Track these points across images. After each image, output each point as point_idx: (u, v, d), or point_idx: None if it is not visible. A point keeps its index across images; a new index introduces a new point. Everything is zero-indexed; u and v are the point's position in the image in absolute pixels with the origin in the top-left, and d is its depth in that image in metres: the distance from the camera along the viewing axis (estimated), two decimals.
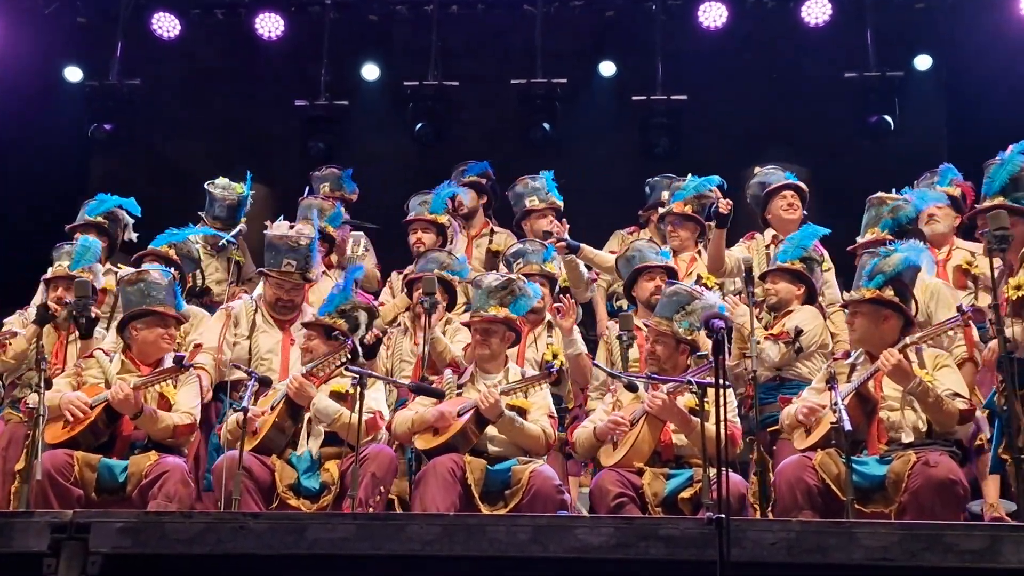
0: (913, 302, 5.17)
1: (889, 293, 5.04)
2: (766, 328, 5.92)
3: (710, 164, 7.49)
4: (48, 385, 5.05)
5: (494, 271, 6.21)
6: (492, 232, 7.63)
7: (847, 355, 5.24)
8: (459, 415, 5.22)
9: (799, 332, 5.73)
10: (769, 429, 5.54)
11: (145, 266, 6.05)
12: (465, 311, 6.47)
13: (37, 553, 3.74)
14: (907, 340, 4.90)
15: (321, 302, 5.77)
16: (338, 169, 7.89)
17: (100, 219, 6.76)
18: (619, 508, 4.88)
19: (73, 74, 9.42)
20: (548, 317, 6.23)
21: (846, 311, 5.26)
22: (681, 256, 6.81)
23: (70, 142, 9.29)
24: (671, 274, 6.31)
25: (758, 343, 5.50)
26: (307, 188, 7.61)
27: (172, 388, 5.36)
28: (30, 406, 5.06)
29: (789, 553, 3.75)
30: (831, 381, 4.84)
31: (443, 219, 7.18)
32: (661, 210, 7.13)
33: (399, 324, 6.52)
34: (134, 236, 6.92)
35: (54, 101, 9.46)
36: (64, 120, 9.31)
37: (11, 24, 9.29)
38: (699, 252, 6.84)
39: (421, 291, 5.97)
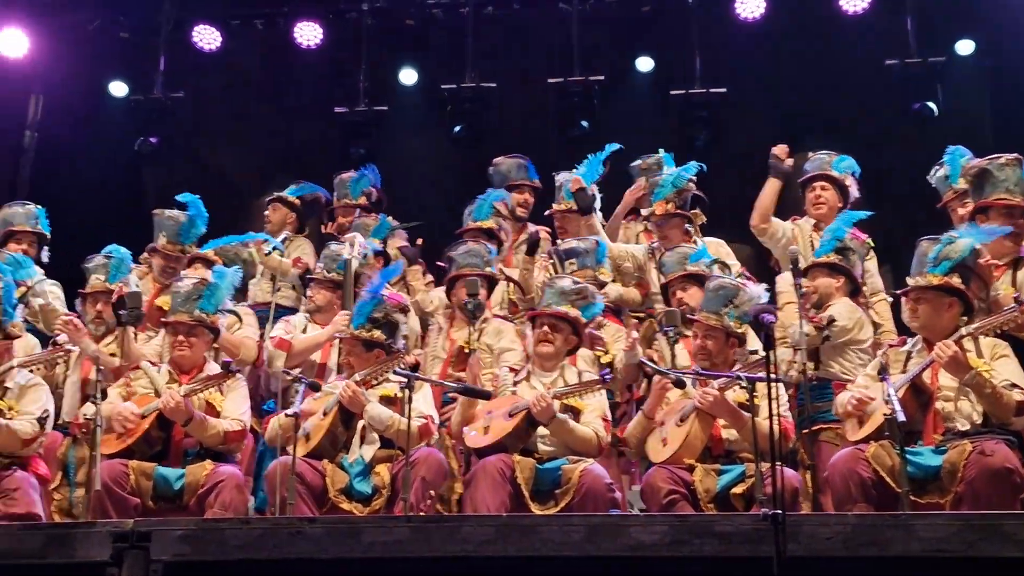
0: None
1: (956, 280, 4.98)
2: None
3: (751, 156, 7.45)
4: (104, 396, 5.13)
5: (568, 276, 6.07)
6: (535, 235, 7.57)
7: (903, 342, 5.18)
8: (510, 415, 5.24)
9: (831, 320, 5.67)
10: (811, 429, 5.50)
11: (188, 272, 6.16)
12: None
13: (100, 562, 3.80)
14: (963, 331, 4.83)
15: None
16: (348, 173, 7.94)
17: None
18: (671, 505, 4.87)
19: (118, 89, 9.56)
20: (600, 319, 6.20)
21: (906, 297, 5.12)
22: None
23: (120, 156, 9.43)
24: None
25: (806, 335, 5.45)
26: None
27: (219, 395, 5.43)
28: (87, 416, 5.15)
29: (846, 547, 3.72)
30: (883, 372, 4.79)
31: (490, 224, 7.15)
32: (644, 211, 7.00)
33: (433, 322, 6.54)
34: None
35: (102, 116, 9.61)
36: (113, 134, 9.45)
37: (58, 42, 9.44)
38: (694, 243, 6.73)
39: (465, 292, 6.00)
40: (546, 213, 7.33)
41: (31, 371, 5.47)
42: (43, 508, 5.17)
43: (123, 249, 6.48)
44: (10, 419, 5.15)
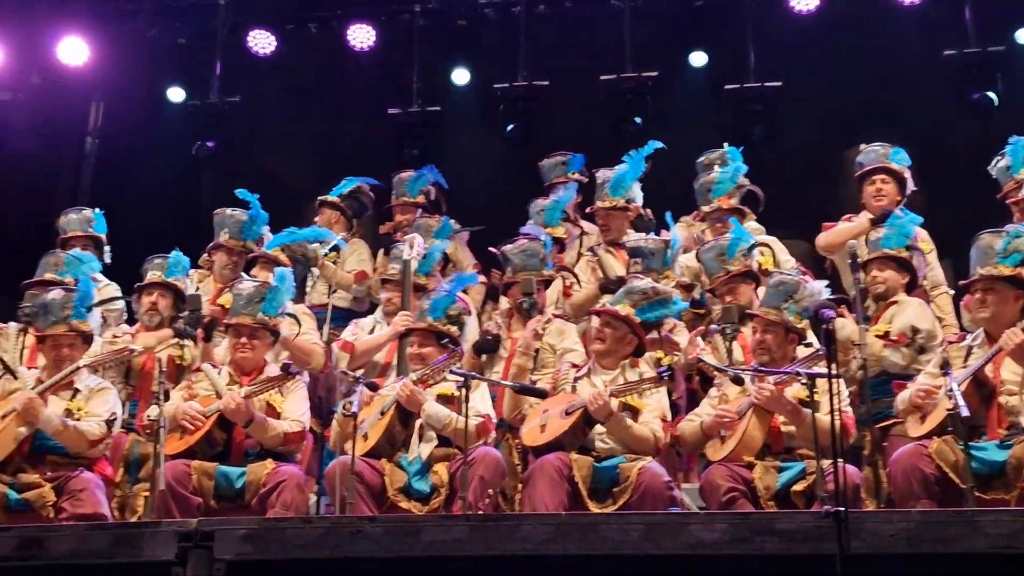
0: None
1: None
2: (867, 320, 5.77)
3: (807, 149, 7.41)
4: (167, 398, 5.21)
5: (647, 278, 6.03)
6: (583, 234, 7.57)
7: (962, 338, 5.11)
8: (567, 413, 5.23)
9: (916, 331, 5.62)
10: (879, 425, 5.44)
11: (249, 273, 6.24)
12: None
13: (165, 562, 3.86)
14: None
15: None
16: (406, 172, 7.96)
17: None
18: (731, 503, 4.84)
19: (176, 94, 9.69)
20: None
21: (973, 288, 5.06)
22: None
23: (178, 160, 9.58)
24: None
25: (866, 330, 5.41)
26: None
27: (279, 397, 5.48)
28: (151, 418, 5.24)
29: (909, 544, 3.68)
30: (945, 367, 4.73)
31: (560, 231, 7.09)
32: (708, 208, 6.87)
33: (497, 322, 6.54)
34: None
35: (160, 121, 9.76)
36: (171, 139, 9.60)
37: (117, 50, 9.61)
38: None
39: (520, 292, 6.01)
40: (587, 210, 7.29)
41: (96, 372, 5.58)
42: (108, 508, 5.26)
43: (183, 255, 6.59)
44: (78, 420, 5.26)
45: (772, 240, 6.78)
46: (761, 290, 5.82)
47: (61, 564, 3.91)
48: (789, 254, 6.76)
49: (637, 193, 7.11)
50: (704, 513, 4.72)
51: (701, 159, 7.28)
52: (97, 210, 7.25)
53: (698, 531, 3.79)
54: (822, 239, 6.60)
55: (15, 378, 5.42)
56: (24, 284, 6.25)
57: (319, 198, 7.71)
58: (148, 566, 3.88)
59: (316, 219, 7.70)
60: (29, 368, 5.60)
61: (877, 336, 5.66)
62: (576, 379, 5.47)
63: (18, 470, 5.13)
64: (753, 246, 6.22)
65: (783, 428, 5.10)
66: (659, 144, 7.02)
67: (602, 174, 7.14)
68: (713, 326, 5.91)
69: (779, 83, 8.82)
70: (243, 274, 6.59)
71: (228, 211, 6.98)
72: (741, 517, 3.97)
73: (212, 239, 7.03)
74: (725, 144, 7.26)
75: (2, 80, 9.62)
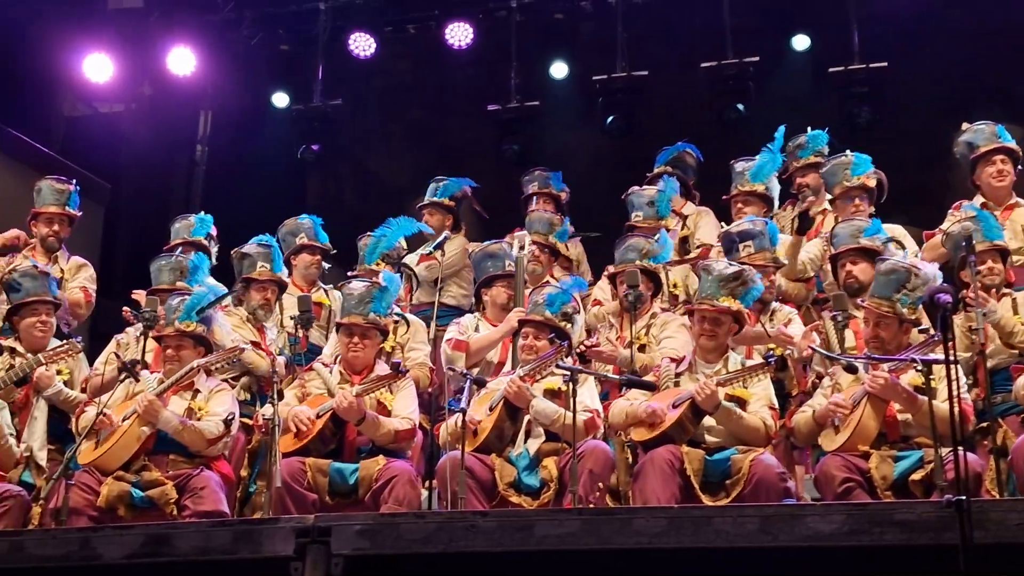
0: None
1: None
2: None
3: (915, 131, 7.22)
4: (281, 397, 5.32)
5: (723, 258, 5.98)
6: (683, 217, 7.49)
7: None
8: (674, 406, 5.19)
9: None
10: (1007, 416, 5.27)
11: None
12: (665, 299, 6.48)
13: (285, 557, 3.93)
14: None
15: None
16: (545, 170, 7.96)
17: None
18: (847, 494, 4.74)
19: (280, 100, 9.91)
20: (775, 306, 6.06)
21: None
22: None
23: (285, 165, 9.78)
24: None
25: (984, 315, 5.22)
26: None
27: (390, 394, 5.56)
28: (266, 417, 5.36)
29: None
30: None
31: (672, 223, 7.04)
32: (848, 183, 6.62)
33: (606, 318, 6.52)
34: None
35: (267, 127, 9.99)
36: (277, 144, 9.81)
37: (223, 58, 9.88)
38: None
39: (624, 284, 5.97)
40: (724, 199, 7.19)
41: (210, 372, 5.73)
42: (227, 506, 5.39)
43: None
44: (199, 419, 5.41)
45: (903, 234, 6.54)
46: None
47: (186, 560, 4.02)
48: (917, 246, 6.53)
49: (775, 186, 7.03)
50: (821, 504, 4.64)
51: (788, 145, 7.16)
52: (200, 214, 7.43)
53: (815, 523, 3.71)
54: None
55: (137, 380, 5.58)
56: (148, 291, 6.46)
57: (429, 201, 7.72)
58: (268, 562, 3.95)
59: (425, 219, 7.73)
60: (152, 372, 5.77)
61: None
62: (677, 374, 5.41)
63: (142, 469, 5.29)
64: (888, 240, 6.07)
65: (899, 416, 4.98)
66: (783, 128, 6.87)
67: (740, 164, 7.09)
68: (825, 312, 5.80)
69: (884, 63, 8.60)
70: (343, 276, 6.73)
71: (298, 219, 7.18)
72: (859, 508, 3.88)
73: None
74: (808, 128, 7.11)
75: (116, 92, 9.97)
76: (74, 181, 7.22)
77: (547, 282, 6.57)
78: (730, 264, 5.61)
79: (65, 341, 6.08)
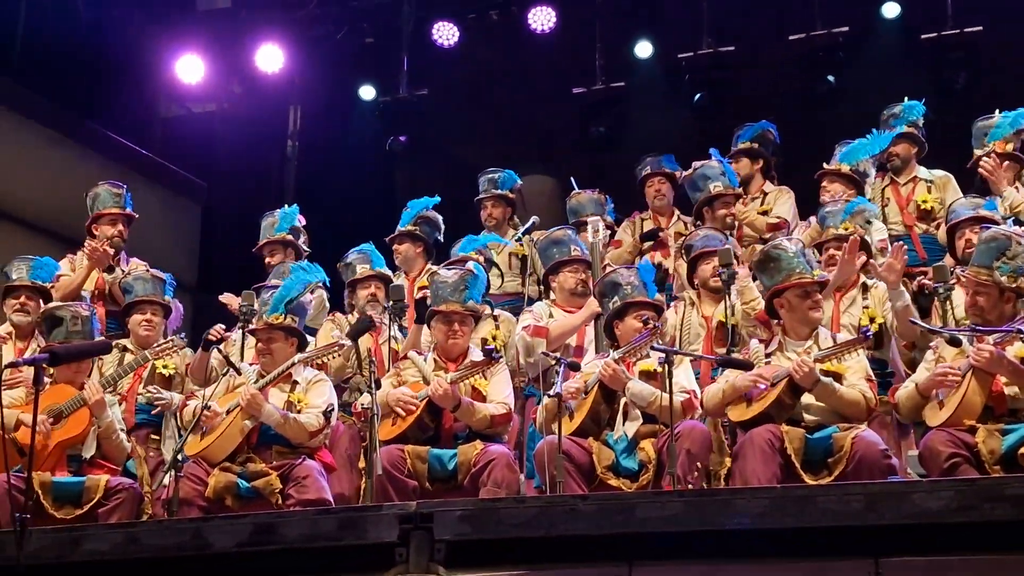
0: None
1: None
2: None
3: (1015, 96, 6.93)
4: (378, 386, 5.40)
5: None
6: (764, 194, 7.38)
7: None
8: (772, 385, 5.12)
9: None
10: None
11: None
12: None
13: (389, 543, 3.99)
14: None
15: None
16: (656, 155, 7.90)
17: (412, 227, 7.18)
18: (953, 469, 4.62)
19: (367, 92, 10.03)
20: (864, 279, 5.96)
21: None
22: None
23: (374, 156, 9.90)
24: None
25: None
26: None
27: (484, 380, 5.60)
28: (364, 405, 5.43)
29: None
30: None
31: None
32: (981, 151, 6.48)
33: (686, 298, 6.45)
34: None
35: (354, 120, 10.13)
36: (365, 136, 9.94)
37: (310, 54, 10.04)
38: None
39: (718, 262, 5.92)
40: (816, 175, 7.05)
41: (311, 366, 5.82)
42: (330, 494, 5.48)
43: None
44: (299, 412, 5.51)
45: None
46: None
47: (293, 548, 4.11)
48: None
49: (870, 171, 6.90)
50: (928, 481, 4.54)
51: (883, 115, 7.02)
52: (284, 208, 7.51)
53: (922, 499, 3.64)
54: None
55: (239, 374, 5.71)
56: (254, 288, 6.58)
57: (492, 192, 7.67)
58: (373, 548, 4.01)
59: (489, 209, 7.68)
60: (252, 365, 5.89)
61: None
62: (768, 355, 5.33)
63: (247, 460, 5.40)
64: (1007, 217, 5.92)
65: (1006, 390, 4.84)
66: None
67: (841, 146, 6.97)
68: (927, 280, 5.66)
69: (979, 27, 8.36)
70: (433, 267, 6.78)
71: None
72: (967, 483, 3.80)
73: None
74: (905, 98, 6.95)
75: (207, 92, 10.20)
76: (125, 186, 7.25)
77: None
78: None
79: (168, 339, 6.27)
